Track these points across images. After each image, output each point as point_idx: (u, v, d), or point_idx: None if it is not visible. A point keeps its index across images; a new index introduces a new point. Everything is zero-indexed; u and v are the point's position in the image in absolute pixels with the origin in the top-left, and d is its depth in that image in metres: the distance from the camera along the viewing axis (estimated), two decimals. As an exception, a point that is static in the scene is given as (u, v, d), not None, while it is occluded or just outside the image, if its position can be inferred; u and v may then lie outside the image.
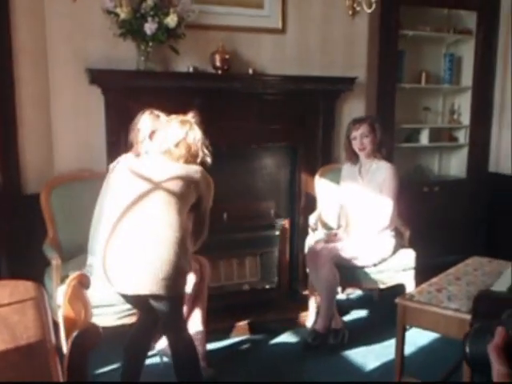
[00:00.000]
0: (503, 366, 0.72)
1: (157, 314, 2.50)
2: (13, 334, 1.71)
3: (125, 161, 2.79)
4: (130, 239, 2.38)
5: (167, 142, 2.50)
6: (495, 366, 0.71)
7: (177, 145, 2.48)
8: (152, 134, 2.89)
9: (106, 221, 2.55)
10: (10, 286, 2.16)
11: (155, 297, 2.36)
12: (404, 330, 2.65)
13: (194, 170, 2.48)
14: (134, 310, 2.82)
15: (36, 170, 3.41)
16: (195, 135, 2.52)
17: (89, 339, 1.39)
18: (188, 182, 2.43)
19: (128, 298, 2.50)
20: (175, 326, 2.56)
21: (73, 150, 3.40)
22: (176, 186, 2.41)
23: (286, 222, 3.92)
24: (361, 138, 3.45)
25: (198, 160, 2.53)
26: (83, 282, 1.70)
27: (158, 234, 2.33)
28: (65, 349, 1.60)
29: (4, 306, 1.94)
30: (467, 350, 0.83)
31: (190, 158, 2.50)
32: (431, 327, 2.64)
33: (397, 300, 2.65)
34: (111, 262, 2.39)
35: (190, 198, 2.46)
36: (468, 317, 2.32)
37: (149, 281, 2.30)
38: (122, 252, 2.37)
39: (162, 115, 2.93)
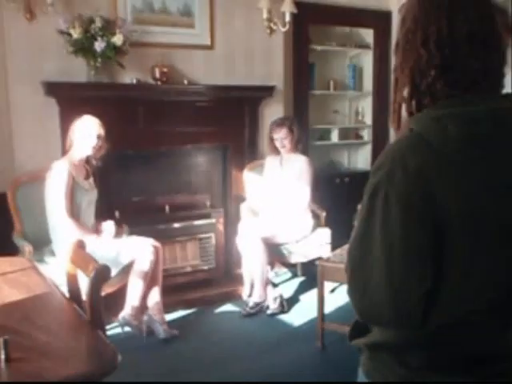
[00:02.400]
0: None
1: None
2: (28, 287, 2.21)
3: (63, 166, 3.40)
4: None
5: None
6: None
7: None
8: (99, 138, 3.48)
9: None
10: (7, 261, 2.63)
11: None
12: (323, 285, 3.33)
13: None
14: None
15: (-1, 171, 3.80)
16: None
17: (102, 275, 1.93)
18: None
19: None
20: None
21: (31, 153, 3.81)
22: None
23: (220, 211, 4.51)
24: (281, 140, 4.17)
25: None
26: (81, 245, 2.23)
27: None
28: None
29: (11, 273, 2.42)
30: None
31: None
32: (343, 280, 3.32)
33: (317, 262, 3.34)
34: None
35: None
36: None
37: None
38: None
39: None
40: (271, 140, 4.25)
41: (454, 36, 1.01)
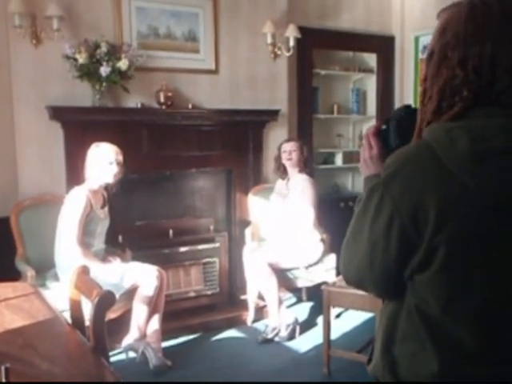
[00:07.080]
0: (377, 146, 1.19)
1: None
2: (30, 314, 2.17)
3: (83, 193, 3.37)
4: None
5: None
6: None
7: None
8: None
9: None
10: (9, 286, 2.59)
11: None
12: (329, 310, 3.28)
13: None
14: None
15: (2, 195, 3.78)
16: None
17: (106, 301, 1.89)
18: None
19: None
20: None
21: (35, 177, 3.81)
22: None
23: (224, 235, 4.48)
24: (290, 152, 4.16)
25: None
26: (85, 271, 2.20)
27: None
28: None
29: (13, 299, 2.39)
30: None
31: None
32: (350, 305, 3.29)
33: (323, 287, 3.30)
34: None
35: None
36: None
37: None
38: None
39: None
40: (279, 155, 4.23)
41: (495, 65, 0.98)
